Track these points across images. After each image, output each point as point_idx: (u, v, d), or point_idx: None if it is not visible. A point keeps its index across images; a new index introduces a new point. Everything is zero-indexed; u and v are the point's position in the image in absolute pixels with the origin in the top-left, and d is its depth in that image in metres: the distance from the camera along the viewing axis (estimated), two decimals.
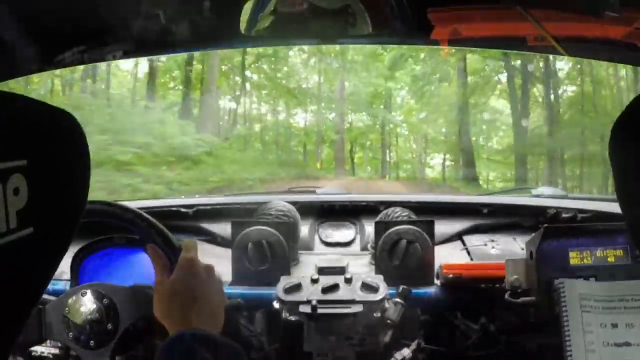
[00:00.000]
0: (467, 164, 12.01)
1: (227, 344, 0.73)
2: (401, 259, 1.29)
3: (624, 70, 8.92)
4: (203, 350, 0.68)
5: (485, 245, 1.48)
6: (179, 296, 0.79)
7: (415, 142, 16.25)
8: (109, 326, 0.92)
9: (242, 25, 1.03)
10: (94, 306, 0.92)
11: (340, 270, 1.23)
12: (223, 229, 1.52)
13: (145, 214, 0.92)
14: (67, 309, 0.93)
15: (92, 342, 0.91)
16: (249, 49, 10.74)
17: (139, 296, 0.95)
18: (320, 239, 1.57)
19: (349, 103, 14.75)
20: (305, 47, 11.20)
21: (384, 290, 1.16)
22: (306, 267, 1.38)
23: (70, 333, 0.92)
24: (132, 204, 1.11)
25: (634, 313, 0.96)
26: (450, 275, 1.22)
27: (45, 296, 0.99)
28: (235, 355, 0.72)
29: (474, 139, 12.74)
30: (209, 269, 0.84)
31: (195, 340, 0.70)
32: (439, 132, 15.02)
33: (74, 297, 0.94)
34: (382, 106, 14.87)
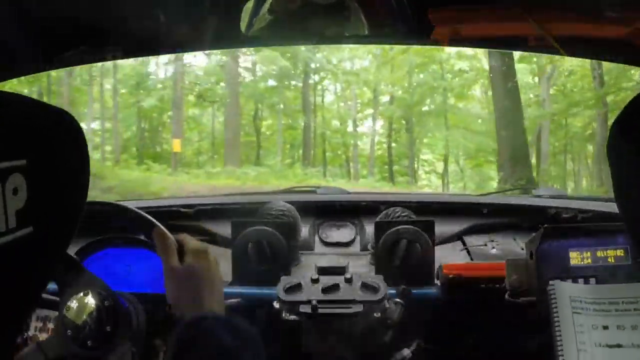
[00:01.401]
0: (519, 157, 8.03)
1: (244, 329, 0.78)
2: (401, 259, 1.28)
3: None
4: (225, 333, 0.74)
5: (486, 245, 1.48)
6: (194, 281, 0.83)
7: (347, 104, 10.87)
8: (108, 327, 0.92)
9: (243, 25, 1.03)
10: (94, 306, 0.92)
11: (341, 270, 1.23)
12: (223, 229, 1.52)
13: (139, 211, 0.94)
14: (66, 308, 0.93)
15: (91, 342, 0.91)
16: None
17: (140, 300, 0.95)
18: (321, 239, 1.57)
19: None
20: None
21: (384, 290, 1.16)
22: (306, 267, 1.38)
23: (70, 333, 0.92)
24: (133, 204, 1.11)
25: (624, 315, 0.97)
26: (450, 276, 1.21)
27: (45, 296, 0.99)
28: (252, 340, 0.78)
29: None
30: (214, 257, 0.90)
31: (217, 324, 0.76)
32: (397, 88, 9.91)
33: (73, 297, 0.94)
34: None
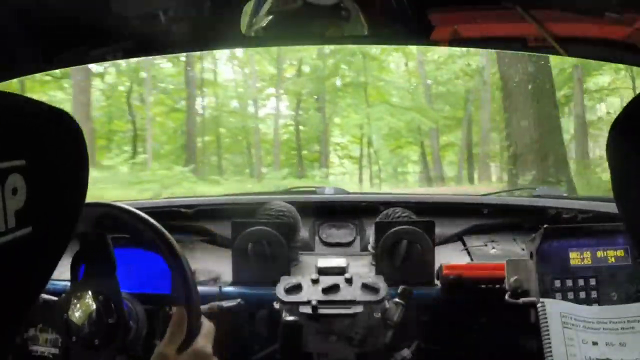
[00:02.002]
0: (552, 153, 6.31)
1: None
2: (401, 259, 1.28)
3: None
4: None
5: (486, 245, 1.47)
6: None
7: (247, 83, 8.77)
8: (109, 327, 0.92)
9: (243, 25, 1.03)
10: (94, 306, 0.92)
11: (341, 271, 1.23)
12: (223, 229, 1.52)
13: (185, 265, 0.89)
14: (67, 309, 0.93)
15: (91, 342, 0.91)
16: None
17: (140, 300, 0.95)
18: (321, 240, 1.57)
19: None
20: None
21: (384, 290, 1.16)
22: (306, 268, 1.38)
23: (70, 333, 0.92)
24: (133, 205, 1.10)
25: (613, 334, 0.99)
26: (451, 276, 1.22)
27: (45, 296, 0.99)
28: None
29: None
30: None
31: None
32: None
33: (74, 297, 0.94)
34: None
